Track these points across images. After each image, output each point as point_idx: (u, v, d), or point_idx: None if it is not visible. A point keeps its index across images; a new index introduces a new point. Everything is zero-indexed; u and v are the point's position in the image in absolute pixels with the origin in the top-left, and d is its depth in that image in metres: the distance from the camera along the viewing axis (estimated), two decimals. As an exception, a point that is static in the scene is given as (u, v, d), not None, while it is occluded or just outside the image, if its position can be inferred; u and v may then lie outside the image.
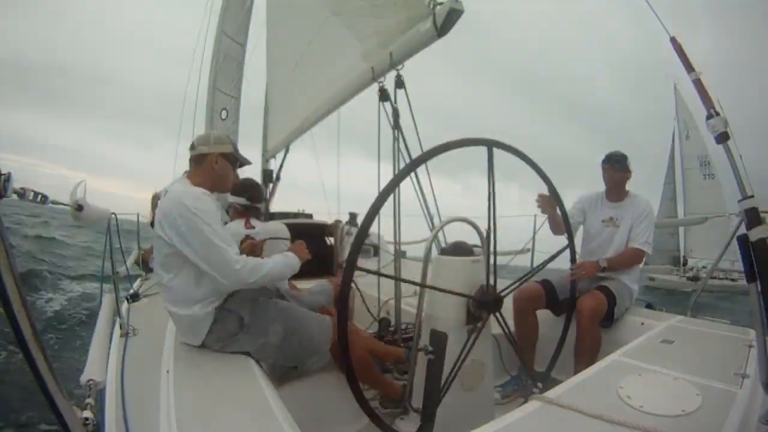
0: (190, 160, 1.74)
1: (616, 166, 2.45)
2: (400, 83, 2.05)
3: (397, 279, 1.66)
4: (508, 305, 1.76)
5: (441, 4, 1.66)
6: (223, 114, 5.92)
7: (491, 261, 1.73)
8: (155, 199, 5.23)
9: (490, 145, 1.67)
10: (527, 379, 2.23)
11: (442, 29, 1.67)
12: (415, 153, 2.11)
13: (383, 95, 2.11)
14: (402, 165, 2.07)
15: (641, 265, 2.48)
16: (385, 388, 1.83)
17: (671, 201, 13.70)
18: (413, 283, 1.56)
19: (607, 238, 2.44)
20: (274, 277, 1.66)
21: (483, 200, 1.67)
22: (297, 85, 3.31)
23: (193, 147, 1.74)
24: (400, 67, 1.99)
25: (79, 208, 1.55)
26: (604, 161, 2.49)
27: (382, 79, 2.11)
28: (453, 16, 1.63)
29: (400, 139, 2.07)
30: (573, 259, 2.16)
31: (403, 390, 1.83)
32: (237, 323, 1.58)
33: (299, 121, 3.25)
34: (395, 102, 2.08)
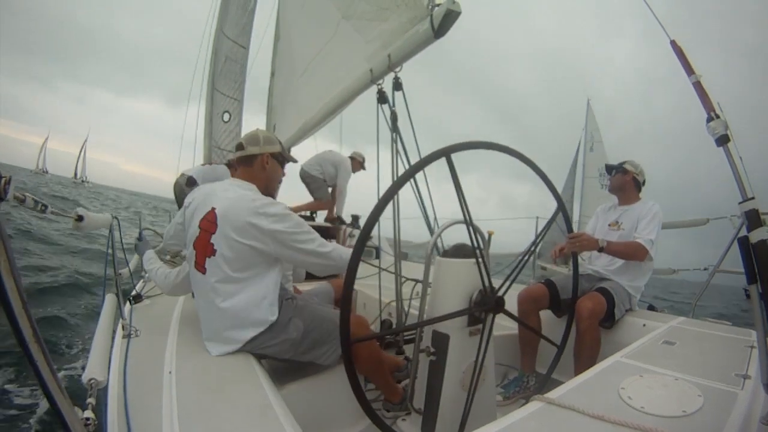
0: (239, 160, 1.72)
1: (612, 173, 2.60)
2: (397, 85, 2.04)
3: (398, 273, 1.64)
4: (508, 309, 1.76)
5: (439, 5, 1.67)
6: (225, 116, 5.95)
7: (487, 264, 1.74)
8: (177, 186, 5.22)
9: (495, 149, 1.69)
10: (529, 379, 2.23)
11: (439, 30, 1.67)
12: (412, 154, 2.11)
13: (381, 97, 2.11)
14: (400, 167, 2.08)
15: (647, 276, 2.42)
16: (389, 388, 1.82)
17: (567, 202, 14.49)
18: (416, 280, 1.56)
19: (617, 240, 2.42)
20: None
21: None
22: (306, 87, 3.30)
23: (242, 147, 1.71)
24: (398, 69, 1.99)
25: (80, 218, 1.55)
26: (607, 174, 2.65)
27: (381, 81, 2.11)
28: (450, 17, 1.63)
29: (398, 142, 2.06)
30: (569, 229, 2.13)
31: (404, 392, 1.83)
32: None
33: (303, 122, 3.26)
34: (393, 105, 2.07)
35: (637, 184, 2.54)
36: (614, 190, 2.62)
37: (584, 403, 1.11)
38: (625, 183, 2.54)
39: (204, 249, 1.59)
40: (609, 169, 2.64)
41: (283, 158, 1.81)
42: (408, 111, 2.07)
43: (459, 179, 1.51)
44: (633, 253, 2.28)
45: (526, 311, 2.31)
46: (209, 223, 1.59)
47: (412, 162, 2.08)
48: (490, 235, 1.84)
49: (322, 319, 1.72)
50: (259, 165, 1.71)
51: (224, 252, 1.54)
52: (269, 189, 1.77)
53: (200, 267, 1.61)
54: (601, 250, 2.22)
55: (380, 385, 1.80)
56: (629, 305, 2.33)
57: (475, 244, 1.60)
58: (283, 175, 1.88)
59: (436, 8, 1.67)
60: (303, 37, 3.36)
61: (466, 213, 1.57)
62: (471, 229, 1.60)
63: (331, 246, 1.67)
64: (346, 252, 1.71)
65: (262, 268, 1.59)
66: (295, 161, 1.93)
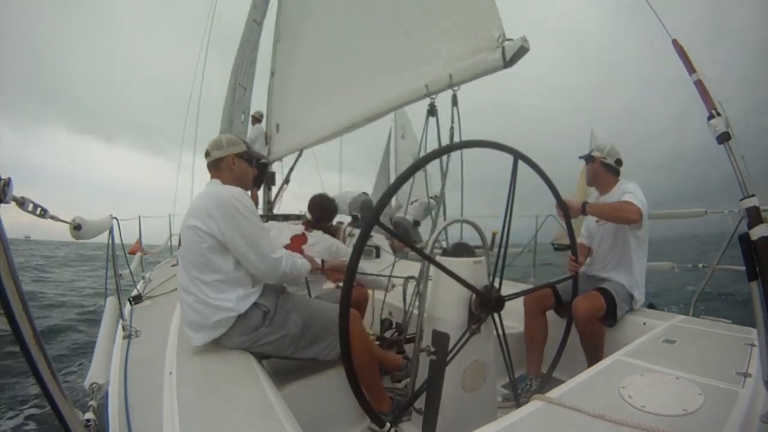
0: (208, 167, 1.80)
1: (585, 163, 2.48)
2: (455, 101, 2.13)
3: (410, 246, 1.64)
4: (510, 309, 1.76)
5: (510, 40, 1.82)
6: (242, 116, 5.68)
7: (492, 262, 1.74)
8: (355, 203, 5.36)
9: (501, 150, 1.70)
10: (533, 382, 2.22)
11: (509, 62, 1.82)
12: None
13: (432, 110, 2.23)
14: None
15: (642, 271, 2.30)
16: (377, 393, 1.77)
17: (382, 189, 15.52)
18: (421, 254, 1.56)
19: (601, 237, 2.39)
20: (297, 275, 1.79)
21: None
22: (334, 92, 3.30)
23: (207, 154, 1.78)
24: (456, 88, 2.10)
25: (78, 226, 1.54)
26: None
27: (434, 96, 2.23)
28: (521, 52, 1.80)
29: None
30: (569, 228, 2.11)
31: (393, 402, 1.82)
32: (261, 317, 1.62)
33: (330, 127, 3.26)
34: (453, 120, 2.13)
35: (610, 168, 2.37)
36: (590, 182, 2.47)
37: (585, 403, 1.11)
38: (596, 171, 2.40)
39: (180, 244, 1.70)
40: (583, 158, 2.50)
41: (249, 156, 1.85)
42: (460, 126, 2.15)
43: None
44: (618, 207, 2.14)
45: (531, 312, 2.30)
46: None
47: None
48: (494, 235, 1.84)
49: (319, 314, 1.73)
50: (226, 166, 1.77)
51: (186, 237, 1.62)
52: (243, 186, 1.80)
53: (176, 260, 1.69)
54: (584, 207, 2.16)
55: (367, 387, 1.69)
56: (631, 304, 2.28)
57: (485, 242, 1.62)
58: (254, 172, 1.93)
59: (508, 42, 1.82)
60: (332, 43, 3.37)
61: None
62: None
63: (281, 252, 1.71)
64: (296, 264, 1.76)
65: (220, 254, 1.61)
66: (263, 157, 2.00)
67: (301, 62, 3.93)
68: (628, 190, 2.21)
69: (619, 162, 2.39)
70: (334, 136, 3.35)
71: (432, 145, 2.14)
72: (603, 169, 2.38)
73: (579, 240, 2.53)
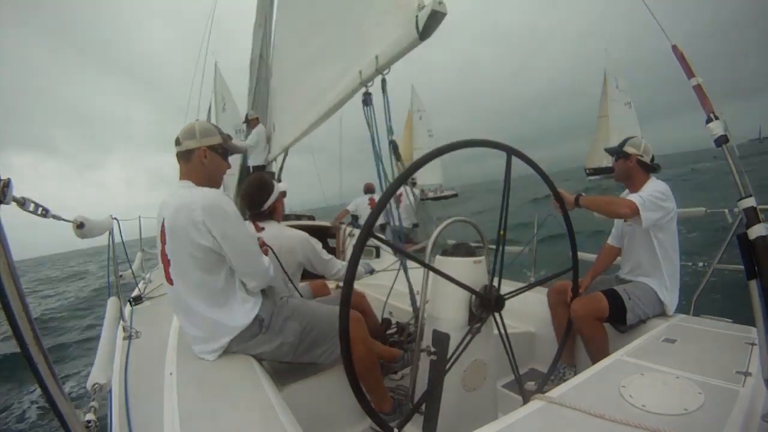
0: (177, 156, 1.63)
1: (614, 158, 2.29)
2: (383, 86, 1.98)
3: (406, 254, 1.64)
4: (512, 308, 1.76)
5: (424, 7, 1.60)
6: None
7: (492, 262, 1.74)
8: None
9: (493, 147, 1.70)
10: (566, 371, 2.22)
11: (423, 32, 1.61)
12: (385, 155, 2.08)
13: (367, 99, 2.07)
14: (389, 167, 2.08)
15: (668, 273, 2.12)
16: (379, 394, 1.78)
17: None
18: (417, 260, 1.56)
19: (628, 237, 2.30)
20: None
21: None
22: (299, 90, 3.23)
23: (178, 142, 1.61)
24: (386, 71, 1.94)
25: (80, 225, 1.54)
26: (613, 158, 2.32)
27: (370, 83, 2.06)
28: (435, 18, 1.57)
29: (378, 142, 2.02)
30: (568, 224, 2.03)
31: (394, 402, 1.82)
32: (257, 326, 1.60)
33: (302, 126, 3.17)
34: (386, 108, 2.02)
35: (645, 166, 2.18)
36: (620, 179, 2.28)
37: (585, 402, 1.11)
38: (630, 169, 2.19)
39: (165, 261, 1.57)
40: (611, 152, 2.28)
41: (224, 150, 1.68)
42: (389, 113, 2.04)
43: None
44: (609, 201, 2.06)
45: (554, 304, 2.32)
46: (162, 234, 1.55)
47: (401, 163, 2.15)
48: (500, 236, 1.84)
49: (318, 318, 1.71)
50: (197, 160, 1.60)
51: (179, 258, 1.51)
52: (212, 185, 1.65)
53: (168, 279, 1.59)
54: (577, 202, 2.07)
55: (370, 389, 1.72)
56: (654, 309, 2.12)
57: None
58: (228, 167, 1.76)
59: (420, 11, 1.61)
60: (293, 38, 3.31)
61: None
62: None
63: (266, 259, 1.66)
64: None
65: (217, 267, 1.54)
66: (241, 151, 1.88)
67: (277, 59, 3.89)
68: (648, 190, 2.09)
69: (653, 160, 2.21)
70: (304, 134, 3.20)
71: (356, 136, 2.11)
72: (639, 168, 2.19)
73: (608, 241, 2.48)
